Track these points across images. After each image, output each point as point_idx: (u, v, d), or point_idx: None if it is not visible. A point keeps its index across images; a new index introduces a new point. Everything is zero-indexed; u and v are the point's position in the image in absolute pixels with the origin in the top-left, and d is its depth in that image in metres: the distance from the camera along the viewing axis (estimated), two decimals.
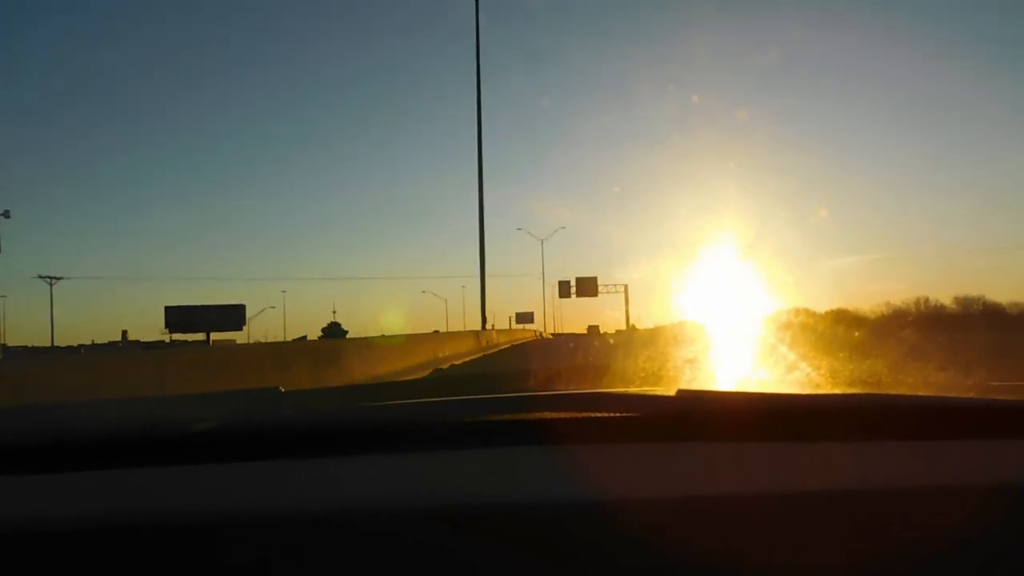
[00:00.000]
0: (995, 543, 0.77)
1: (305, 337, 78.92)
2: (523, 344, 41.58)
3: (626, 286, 76.63)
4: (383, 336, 22.90)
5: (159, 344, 66.64)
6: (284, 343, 30.33)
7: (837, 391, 1.81)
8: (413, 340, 20.40)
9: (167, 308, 73.71)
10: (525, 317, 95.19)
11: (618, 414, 1.08)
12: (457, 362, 20.35)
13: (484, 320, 41.49)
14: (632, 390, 1.69)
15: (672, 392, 1.11)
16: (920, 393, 1.43)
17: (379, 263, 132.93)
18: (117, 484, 0.95)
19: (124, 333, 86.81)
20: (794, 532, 0.77)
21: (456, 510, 0.80)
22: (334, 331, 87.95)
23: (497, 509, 0.80)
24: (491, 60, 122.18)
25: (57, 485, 0.95)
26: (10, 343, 71.34)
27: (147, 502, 0.87)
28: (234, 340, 67.70)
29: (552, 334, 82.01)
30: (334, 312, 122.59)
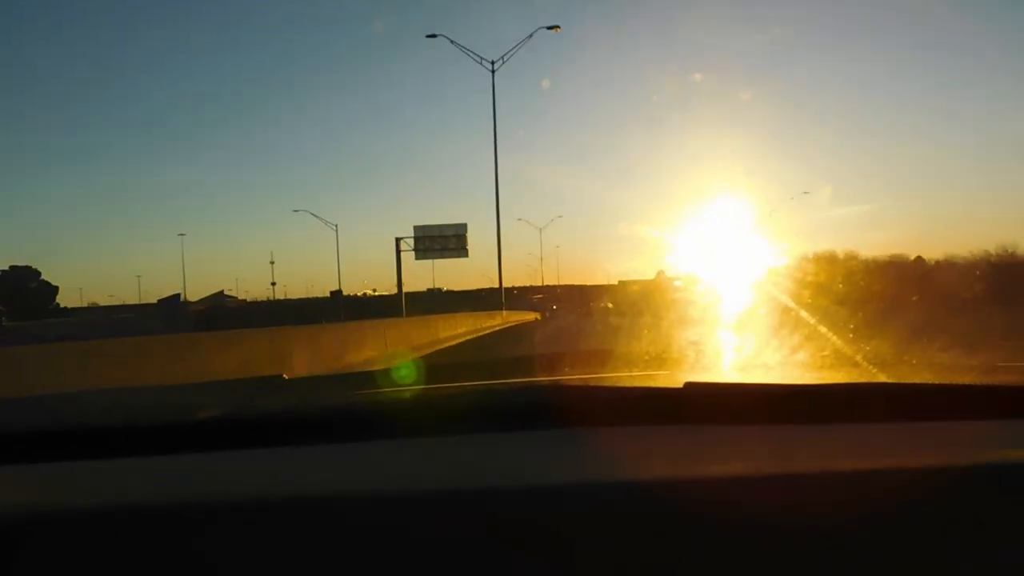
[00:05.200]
0: (990, 520, 0.77)
1: None
2: None
3: None
4: None
5: None
6: None
7: (841, 374, 1.82)
8: None
9: None
10: (448, 237, 45.18)
11: (625, 406, 1.09)
12: None
13: None
14: (637, 377, 1.70)
15: (680, 384, 1.12)
16: (923, 374, 1.44)
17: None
18: (126, 472, 0.96)
19: None
20: (800, 510, 0.78)
21: (463, 494, 0.81)
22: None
23: (504, 493, 0.81)
24: (489, 41, 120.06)
25: (67, 473, 0.96)
26: None
27: (157, 489, 0.88)
28: None
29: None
30: (271, 262, 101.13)
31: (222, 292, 76.98)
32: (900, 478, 0.81)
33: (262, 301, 79.75)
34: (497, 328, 29.34)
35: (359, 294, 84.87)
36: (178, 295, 68.06)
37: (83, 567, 0.76)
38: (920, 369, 1.71)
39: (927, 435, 1.00)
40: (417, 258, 47.85)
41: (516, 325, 32.86)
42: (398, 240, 47.14)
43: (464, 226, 47.01)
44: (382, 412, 1.17)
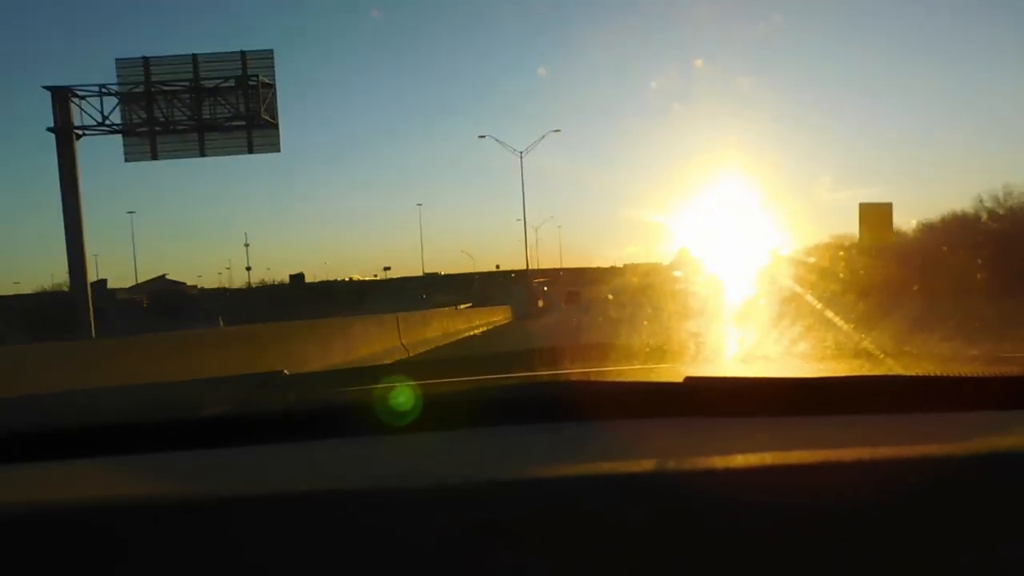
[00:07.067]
0: (993, 510, 0.77)
1: None
2: None
3: None
4: None
5: None
6: None
7: (841, 364, 1.82)
8: None
9: None
10: (207, 90, 17.73)
11: (624, 401, 1.10)
12: None
13: None
14: (638, 371, 1.70)
15: (679, 378, 1.12)
16: (924, 365, 1.44)
17: None
18: (124, 469, 0.96)
19: None
20: (802, 501, 0.78)
21: (463, 488, 0.81)
22: None
23: (504, 487, 0.81)
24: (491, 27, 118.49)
25: (66, 471, 0.96)
26: None
27: (154, 486, 0.88)
28: None
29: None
30: (246, 245, 79.46)
31: (164, 276, 60.80)
32: (902, 468, 0.81)
33: (215, 289, 66.77)
34: None
35: (345, 279, 73.37)
36: (104, 281, 52.11)
37: (82, 564, 0.76)
38: (920, 360, 1.71)
39: (929, 426, 1.00)
40: (130, 159, 20.40)
41: None
42: (59, 95, 19.11)
43: (268, 56, 19.80)
44: (382, 408, 1.17)
